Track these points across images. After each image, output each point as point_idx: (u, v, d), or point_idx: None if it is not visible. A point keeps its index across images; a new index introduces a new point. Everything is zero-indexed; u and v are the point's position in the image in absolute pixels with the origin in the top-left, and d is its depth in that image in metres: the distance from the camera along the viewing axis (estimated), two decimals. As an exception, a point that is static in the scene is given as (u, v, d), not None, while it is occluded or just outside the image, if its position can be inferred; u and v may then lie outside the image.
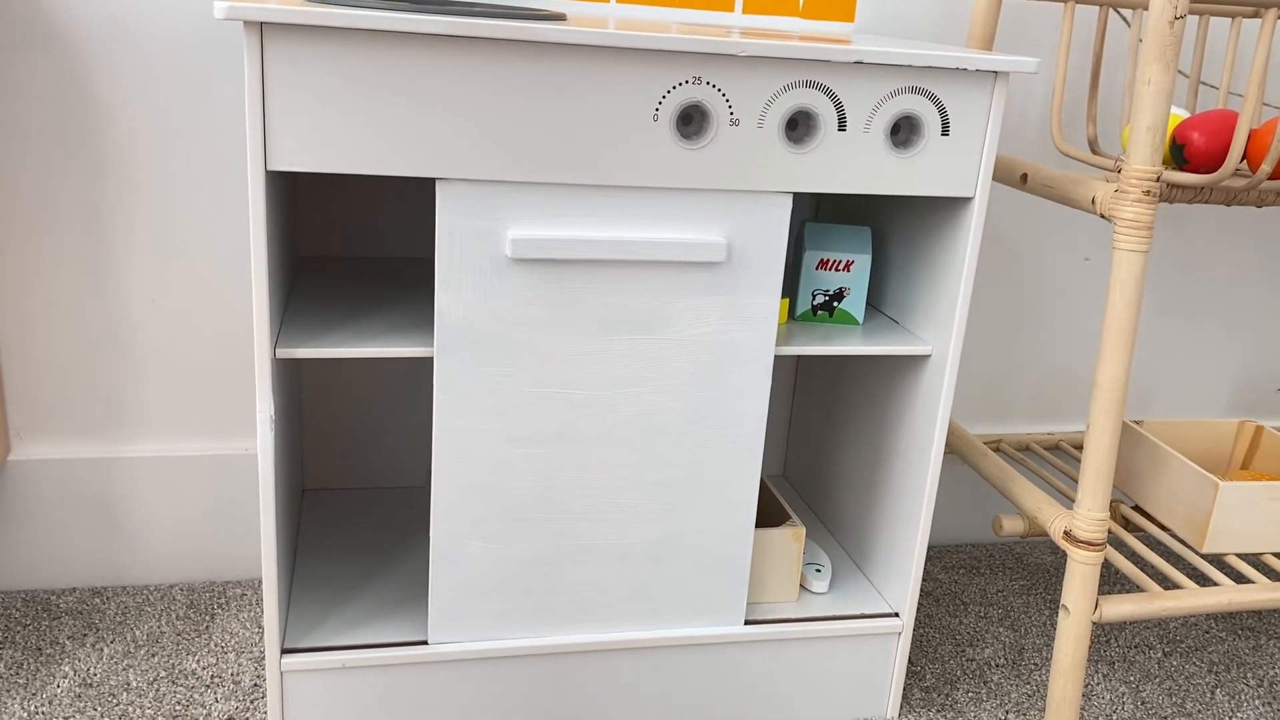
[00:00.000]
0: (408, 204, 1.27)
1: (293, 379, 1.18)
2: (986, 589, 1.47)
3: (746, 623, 1.12)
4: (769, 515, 1.22)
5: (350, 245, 1.27)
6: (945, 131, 0.98)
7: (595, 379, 0.99)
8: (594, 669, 1.09)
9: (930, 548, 1.58)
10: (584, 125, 0.90)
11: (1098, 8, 1.33)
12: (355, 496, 1.33)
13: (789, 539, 1.15)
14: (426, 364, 1.33)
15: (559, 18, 0.98)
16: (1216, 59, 1.45)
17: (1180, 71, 1.41)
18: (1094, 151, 1.26)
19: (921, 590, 1.45)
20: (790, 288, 1.20)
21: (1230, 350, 1.62)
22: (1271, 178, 1.09)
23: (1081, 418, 1.61)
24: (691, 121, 0.93)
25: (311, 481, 1.35)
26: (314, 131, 0.85)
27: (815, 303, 1.14)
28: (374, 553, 1.20)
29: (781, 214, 0.98)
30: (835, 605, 1.17)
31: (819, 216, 1.34)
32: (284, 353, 0.93)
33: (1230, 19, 1.41)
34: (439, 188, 0.89)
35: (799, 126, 0.96)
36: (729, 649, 1.12)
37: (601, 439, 1.01)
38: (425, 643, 1.05)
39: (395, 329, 1.00)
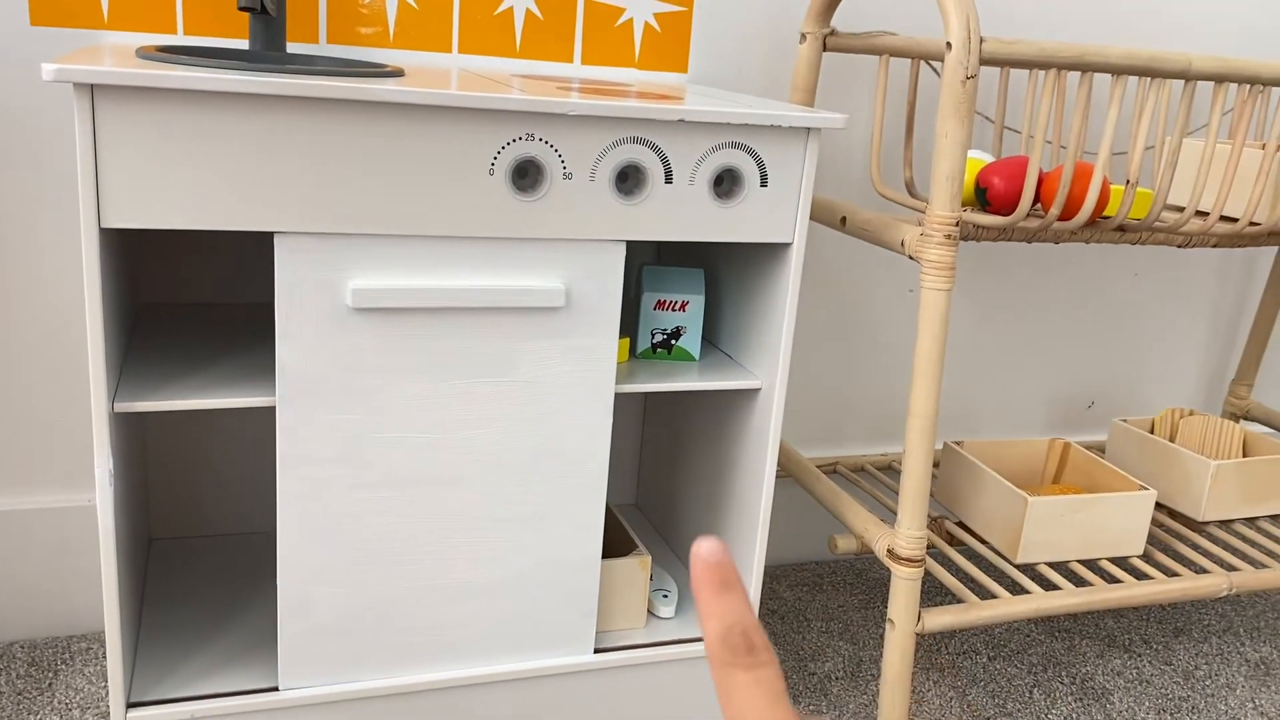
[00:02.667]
0: (250, 249, 1.27)
1: (137, 428, 1.17)
2: (828, 604, 1.55)
3: (596, 651, 1.16)
4: (618, 545, 1.27)
5: (193, 291, 1.26)
6: (764, 183, 1.05)
7: (441, 423, 1.02)
8: (448, 705, 1.12)
9: (776, 566, 1.65)
10: (422, 179, 0.93)
11: (909, 61, 1.44)
12: (204, 544, 1.32)
13: (636, 568, 1.20)
14: (273, 410, 1.34)
15: (397, 74, 1.01)
16: (1020, 104, 1.58)
17: (987, 117, 1.53)
18: (911, 194, 1.36)
19: (767, 609, 1.53)
20: (631, 327, 1.25)
21: (1045, 373, 1.76)
22: (1062, 219, 1.20)
23: (913, 438, 1.71)
24: (527, 175, 0.97)
25: (159, 530, 1.33)
26: (148, 189, 0.86)
27: (654, 341, 1.20)
28: (223, 600, 1.20)
29: (616, 261, 1.03)
30: (682, 629, 1.22)
31: (660, 259, 1.41)
32: (122, 407, 0.93)
33: (1027, 70, 1.54)
34: (277, 241, 0.91)
35: (629, 179, 1.01)
36: (580, 678, 1.16)
37: (450, 480, 1.04)
38: (276, 689, 1.05)
39: (237, 378, 1.01)
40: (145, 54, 0.95)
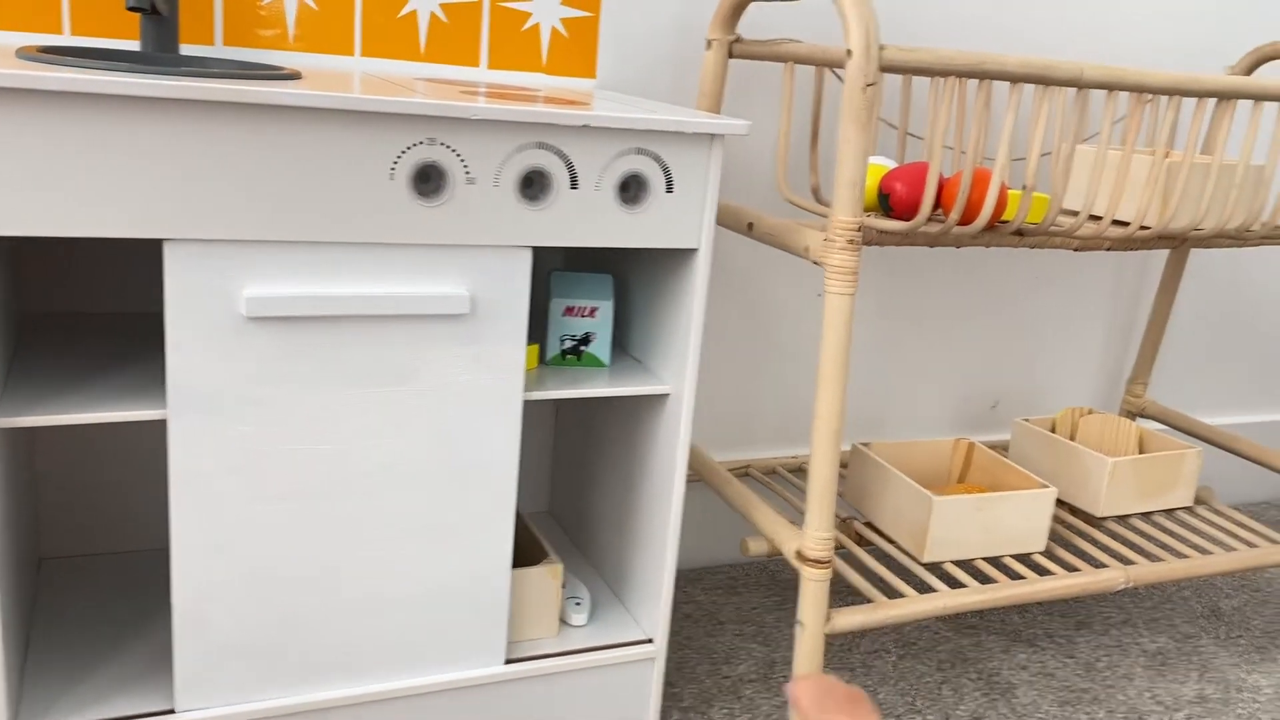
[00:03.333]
0: (140, 256, 1.23)
1: (24, 443, 1.13)
2: (742, 607, 1.56)
3: (507, 661, 1.15)
4: (530, 554, 1.26)
5: (81, 300, 1.22)
6: (670, 189, 1.05)
7: (343, 433, 0.99)
8: (355, 721, 1.09)
9: (691, 570, 1.66)
10: (319, 184, 0.91)
11: (814, 68, 1.46)
12: (97, 563, 1.28)
13: (547, 576, 1.19)
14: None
15: (294, 76, 0.99)
16: (924, 110, 1.61)
17: (890, 124, 1.55)
18: (817, 200, 1.38)
19: (682, 612, 1.53)
20: (540, 334, 1.24)
21: (951, 374, 1.79)
22: (961, 224, 1.23)
23: (824, 441, 1.73)
24: (429, 179, 0.96)
25: (49, 550, 1.28)
26: (28, 196, 0.83)
27: (564, 347, 1.19)
28: (118, 621, 1.16)
29: (522, 267, 1.02)
30: (594, 636, 1.22)
31: (569, 265, 1.40)
32: (6, 422, 0.90)
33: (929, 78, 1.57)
34: (166, 248, 0.89)
35: (534, 184, 1.00)
36: (491, 689, 1.15)
37: (353, 493, 1.02)
38: (173, 711, 1.02)
39: (128, 391, 0.97)
40: (26, 54, 0.91)
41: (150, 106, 0.84)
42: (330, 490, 1.01)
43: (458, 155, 0.95)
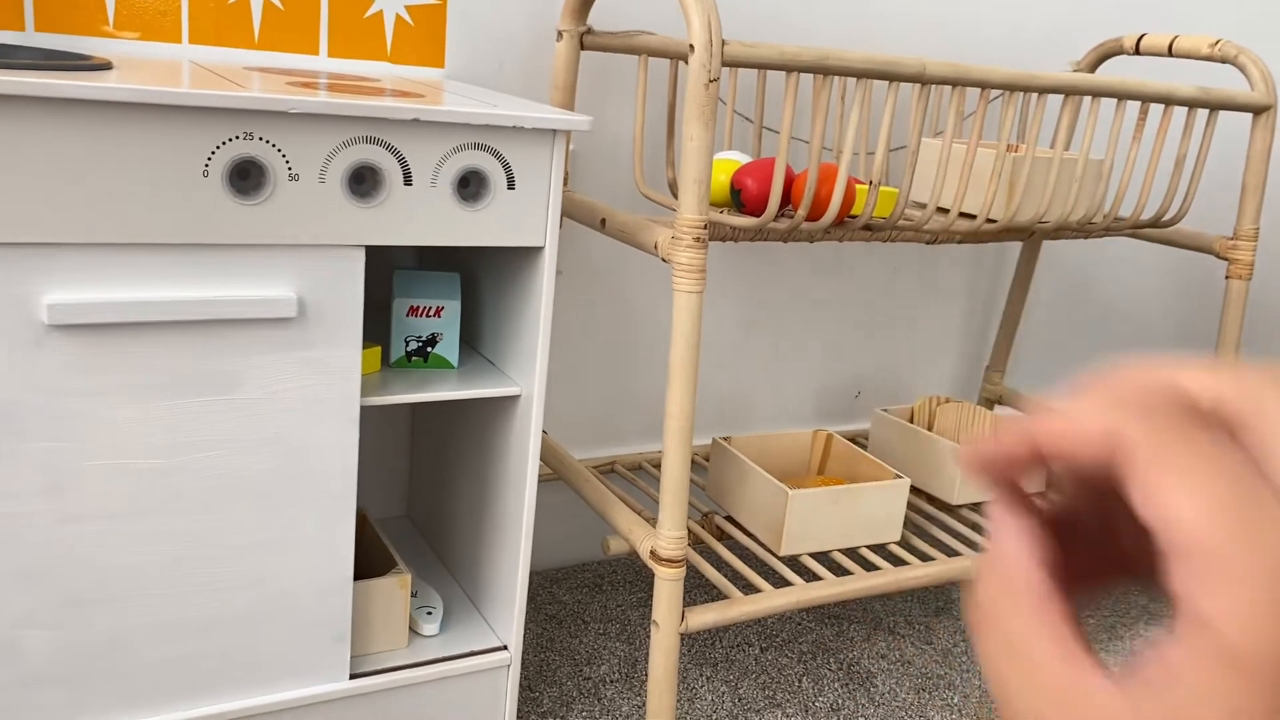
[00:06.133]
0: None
1: None
2: (607, 605, 1.55)
3: (352, 676, 1.11)
4: (379, 562, 1.22)
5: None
6: (511, 185, 1.02)
7: (163, 446, 0.94)
8: (188, 746, 1.04)
9: (556, 569, 1.63)
10: (126, 182, 0.86)
11: (668, 61, 1.44)
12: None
13: (394, 587, 1.15)
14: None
15: (103, 66, 0.93)
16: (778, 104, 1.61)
17: (745, 117, 1.55)
18: (674, 194, 1.36)
19: (546, 614, 1.50)
20: (384, 335, 1.20)
21: (814, 365, 1.81)
22: (810, 219, 1.23)
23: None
24: (249, 176, 0.91)
25: None
26: None
27: (409, 349, 1.15)
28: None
29: (354, 267, 0.98)
30: (446, 646, 1.18)
31: (422, 263, 1.36)
32: None
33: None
34: (-46, 253, 0.82)
35: (365, 181, 0.96)
36: (335, 705, 1.10)
37: (176, 509, 0.96)
38: (-18, 747, 0.95)
39: (-79, 406, 0.90)
40: None
41: (-74, 99, 0.77)
42: (152, 507, 0.95)
43: (279, 151, 0.90)
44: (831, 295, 1.78)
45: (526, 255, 1.10)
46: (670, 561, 1.14)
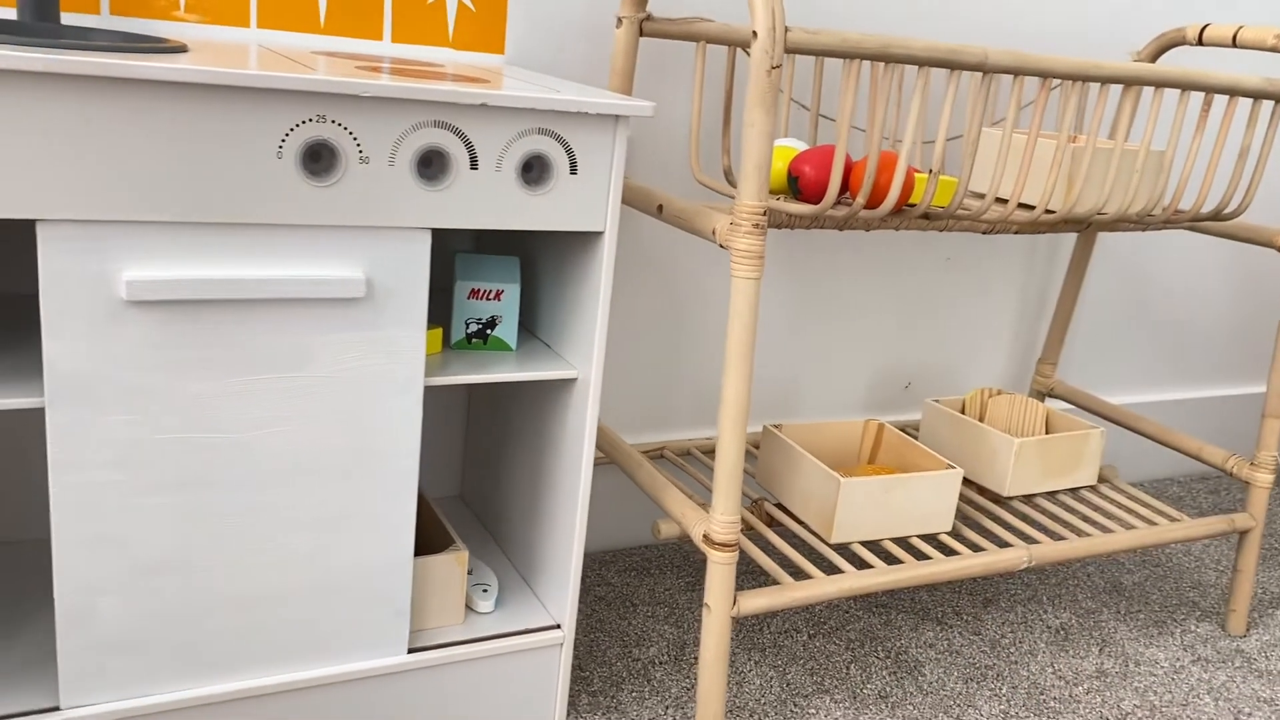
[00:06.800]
0: (12, 234, 1.18)
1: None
2: (655, 589, 1.56)
3: (410, 651, 1.13)
4: (435, 540, 1.24)
5: (-37, 282, 1.16)
6: (574, 170, 1.03)
7: (232, 422, 0.96)
8: (250, 716, 1.07)
9: (605, 552, 1.65)
10: (202, 163, 0.88)
11: (726, 48, 1.44)
12: (-17, 553, 1.22)
13: (452, 564, 1.17)
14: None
15: (179, 49, 0.95)
16: (835, 92, 1.60)
17: (804, 105, 1.55)
18: (729, 181, 1.37)
19: (595, 595, 1.52)
20: (445, 317, 1.22)
21: (865, 354, 1.80)
22: (868, 207, 1.23)
23: (739, 422, 1.73)
24: (320, 158, 0.93)
25: (-70, 540, 1.23)
26: (-117, 172, 0.78)
27: (469, 331, 1.17)
28: None
29: (421, 249, 0.99)
30: (501, 623, 1.20)
31: (479, 247, 1.37)
32: None
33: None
34: (40, 229, 0.84)
35: (432, 164, 0.98)
36: (393, 680, 1.13)
37: (244, 483, 0.98)
38: (57, 708, 0.98)
39: (2, 378, 0.93)
40: (-117, 21, 0.86)
41: (21, 80, 0.80)
42: (220, 481, 0.97)
43: (350, 134, 0.92)
44: (881, 285, 1.77)
45: (586, 240, 1.11)
46: (723, 546, 1.15)
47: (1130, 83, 1.26)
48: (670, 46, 1.47)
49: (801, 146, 1.34)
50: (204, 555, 0.99)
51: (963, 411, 1.66)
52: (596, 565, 1.61)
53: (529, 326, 1.26)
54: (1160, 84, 1.27)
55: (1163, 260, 2.06)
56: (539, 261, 1.23)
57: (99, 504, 0.93)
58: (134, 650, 0.99)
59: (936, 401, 1.63)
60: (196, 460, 0.96)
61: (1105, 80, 1.24)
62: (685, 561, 1.65)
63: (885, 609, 1.57)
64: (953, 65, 1.14)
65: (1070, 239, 1.94)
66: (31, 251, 1.18)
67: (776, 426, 1.46)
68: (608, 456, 1.44)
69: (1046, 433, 1.65)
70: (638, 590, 1.55)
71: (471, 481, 1.46)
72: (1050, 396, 1.92)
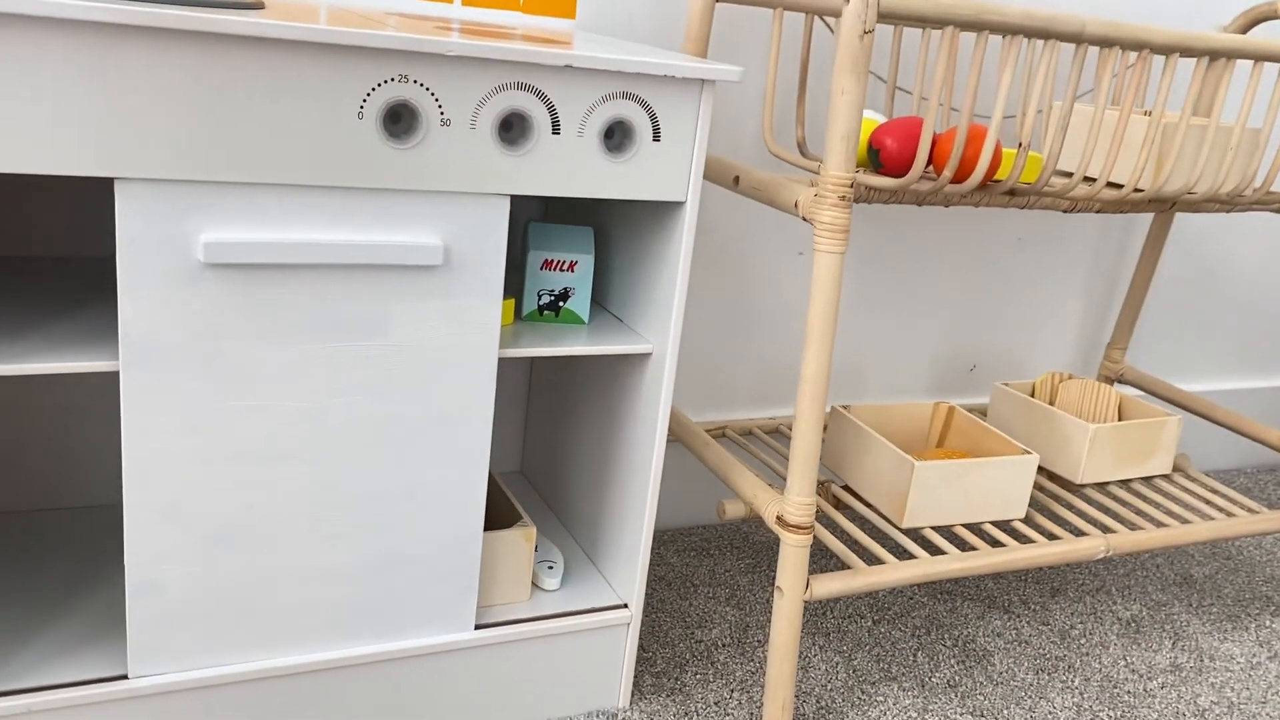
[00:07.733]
0: (91, 197, 1.16)
1: (-37, 394, 1.06)
2: (715, 570, 1.53)
3: (477, 627, 1.11)
4: (501, 515, 1.22)
5: (25, 243, 1.15)
6: (657, 137, 0.99)
7: (306, 390, 0.94)
8: (318, 689, 1.05)
9: (664, 532, 1.62)
10: (282, 122, 0.85)
11: (804, 15, 1.40)
12: (46, 519, 1.22)
13: (519, 540, 1.14)
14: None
15: (256, 5, 0.92)
16: (912, 65, 1.55)
17: (879, 77, 1.50)
18: (803, 154, 1.33)
19: (655, 575, 1.49)
20: (517, 288, 1.19)
21: (928, 335, 1.76)
22: (955, 181, 1.18)
23: (801, 402, 1.70)
24: (400, 120, 0.90)
25: (-6, 504, 1.22)
26: (-36, 126, 0.76)
27: (541, 303, 1.14)
28: (67, 581, 1.10)
29: (499, 216, 0.96)
30: (567, 601, 1.18)
31: (548, 216, 1.34)
32: (-60, 371, 0.83)
33: (921, 29, 1.52)
34: (118, 188, 0.82)
35: (514, 128, 0.95)
36: (459, 655, 1.11)
37: (315, 453, 0.96)
38: (125, 677, 0.97)
39: (78, 340, 0.91)
40: (-39, -28, 0.84)
41: (99, 33, 0.78)
42: (293, 450, 0.95)
43: (432, 94, 0.89)
44: (948, 263, 1.72)
45: (664, 210, 1.08)
46: (798, 528, 1.12)
47: (1230, 56, 1.20)
48: (739, 15, 1.43)
49: (881, 118, 1.30)
50: (273, 527, 0.97)
51: (1032, 396, 1.61)
52: (656, 544, 1.58)
53: (599, 299, 1.23)
54: (1260, 57, 1.21)
55: (1239, 243, 1.99)
56: (612, 232, 1.20)
57: (170, 470, 0.91)
58: (201, 621, 0.97)
59: (1006, 385, 1.58)
60: (269, 428, 0.94)
61: (1207, 53, 1.18)
62: (745, 542, 1.62)
63: (950, 596, 1.53)
64: (1049, 35, 1.09)
65: (1145, 219, 1.88)
66: (110, 213, 1.16)
67: (845, 407, 1.42)
68: (672, 435, 1.41)
69: (1119, 419, 1.60)
70: (698, 571, 1.53)
71: (533, 457, 1.44)
72: (1119, 382, 1.87)
